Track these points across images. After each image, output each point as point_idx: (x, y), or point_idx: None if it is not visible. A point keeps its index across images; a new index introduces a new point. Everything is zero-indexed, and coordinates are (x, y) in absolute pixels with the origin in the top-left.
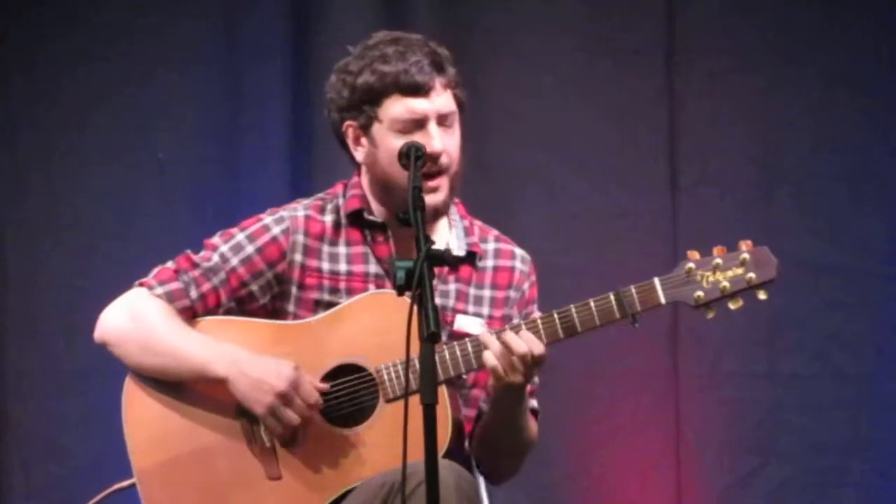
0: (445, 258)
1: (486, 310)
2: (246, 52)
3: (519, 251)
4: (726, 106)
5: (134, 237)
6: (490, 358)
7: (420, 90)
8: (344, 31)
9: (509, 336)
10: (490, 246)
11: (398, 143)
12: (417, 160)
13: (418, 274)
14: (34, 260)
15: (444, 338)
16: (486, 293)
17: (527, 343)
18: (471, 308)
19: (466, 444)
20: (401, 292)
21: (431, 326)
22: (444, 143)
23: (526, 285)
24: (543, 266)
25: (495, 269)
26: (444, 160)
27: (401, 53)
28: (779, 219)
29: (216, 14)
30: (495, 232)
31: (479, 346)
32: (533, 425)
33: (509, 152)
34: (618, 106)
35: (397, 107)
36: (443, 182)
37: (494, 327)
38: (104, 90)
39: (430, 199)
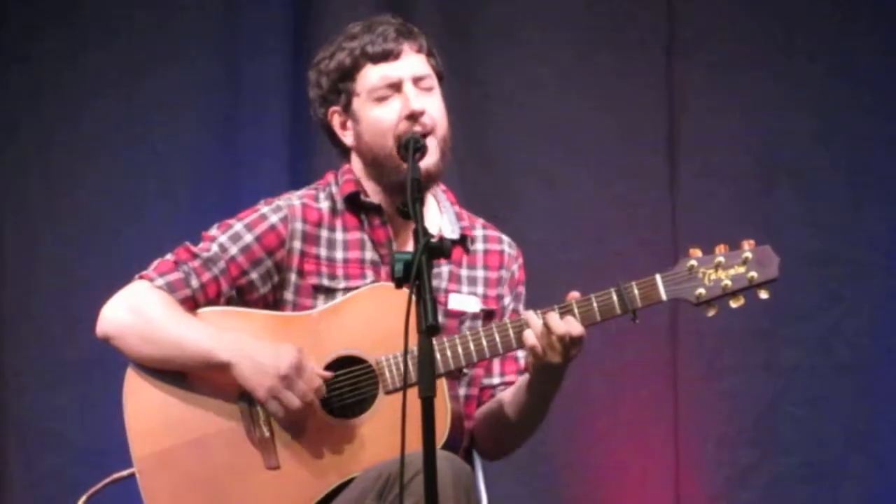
0: (444, 251)
1: (480, 289)
2: (245, 47)
3: (505, 237)
4: (727, 98)
5: (133, 229)
6: (530, 337)
7: (389, 55)
8: (344, 25)
9: (550, 317)
10: (478, 232)
11: (378, 112)
12: (416, 151)
13: (416, 267)
14: (33, 252)
15: (441, 319)
16: (480, 273)
17: (566, 324)
18: (464, 289)
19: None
20: (399, 285)
21: (430, 319)
22: (424, 102)
23: (515, 267)
24: (543, 258)
25: (486, 252)
26: (426, 120)
27: (367, 28)
28: (779, 211)
29: (216, 8)
30: (482, 220)
31: (521, 327)
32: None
33: (510, 145)
34: (618, 98)
35: (371, 75)
36: (430, 143)
37: (489, 305)
38: (103, 83)
39: (422, 162)
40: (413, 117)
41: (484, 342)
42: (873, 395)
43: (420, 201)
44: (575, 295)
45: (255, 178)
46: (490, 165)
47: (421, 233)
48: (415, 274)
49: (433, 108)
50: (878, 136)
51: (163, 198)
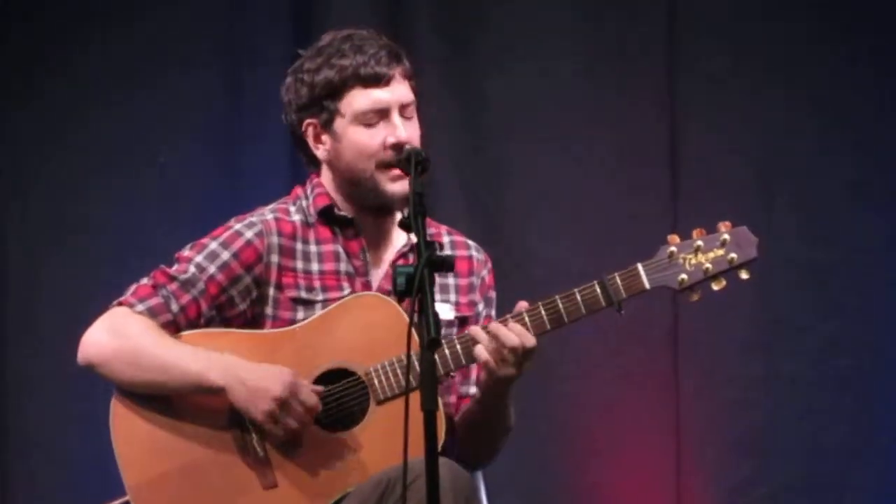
0: (446, 263)
1: (453, 297)
2: (246, 55)
3: (472, 242)
4: (727, 108)
5: (135, 240)
6: (482, 352)
7: (381, 80)
8: None
9: (499, 329)
10: (445, 239)
11: (362, 135)
12: (418, 165)
13: (419, 280)
14: (36, 263)
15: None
16: (451, 281)
17: (518, 335)
18: (437, 296)
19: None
20: (401, 298)
21: (432, 333)
22: (408, 132)
23: (484, 272)
24: (544, 271)
25: (455, 258)
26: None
27: (357, 47)
28: (780, 222)
29: (217, 17)
30: (446, 227)
31: (469, 343)
32: (512, 412)
33: (509, 154)
34: (619, 110)
35: (360, 99)
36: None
37: (463, 312)
38: (105, 95)
39: (398, 188)
40: (398, 147)
41: (447, 353)
42: (873, 405)
43: (423, 214)
44: (524, 304)
45: (258, 188)
46: (491, 178)
47: (423, 246)
48: (417, 287)
49: (414, 136)
50: (878, 147)
51: (165, 209)
